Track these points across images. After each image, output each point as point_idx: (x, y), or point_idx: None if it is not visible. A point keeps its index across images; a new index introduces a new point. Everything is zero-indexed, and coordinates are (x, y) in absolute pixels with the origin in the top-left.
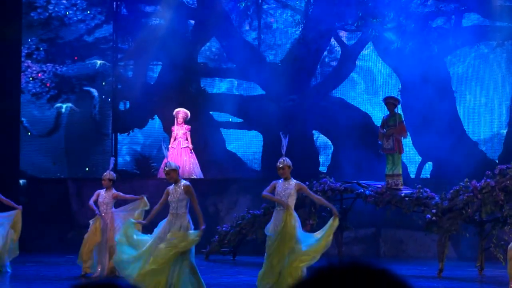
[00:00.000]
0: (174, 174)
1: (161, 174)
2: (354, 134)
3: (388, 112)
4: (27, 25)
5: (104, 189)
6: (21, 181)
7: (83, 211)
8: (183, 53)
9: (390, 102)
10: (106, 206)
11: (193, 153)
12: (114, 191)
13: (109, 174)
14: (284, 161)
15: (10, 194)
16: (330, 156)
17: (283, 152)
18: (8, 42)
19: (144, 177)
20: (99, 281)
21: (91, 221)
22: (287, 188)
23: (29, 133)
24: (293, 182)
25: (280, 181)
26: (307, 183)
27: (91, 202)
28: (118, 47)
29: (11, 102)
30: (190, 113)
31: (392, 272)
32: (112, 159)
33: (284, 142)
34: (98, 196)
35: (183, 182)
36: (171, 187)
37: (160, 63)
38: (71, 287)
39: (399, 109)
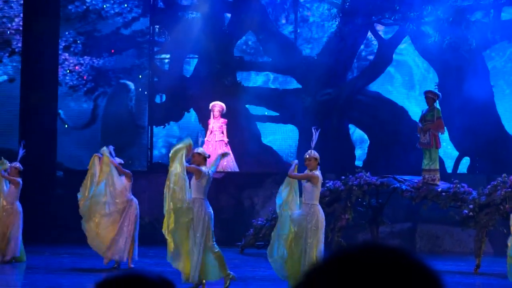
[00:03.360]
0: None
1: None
2: (391, 128)
3: (428, 106)
4: (65, 18)
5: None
6: (58, 173)
7: None
8: (219, 46)
9: (429, 97)
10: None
11: (228, 146)
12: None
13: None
14: (311, 153)
15: (47, 186)
16: (366, 150)
17: (312, 145)
18: (46, 35)
19: None
20: (124, 274)
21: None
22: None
23: (66, 126)
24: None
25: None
26: (342, 177)
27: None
28: (154, 40)
29: (49, 94)
30: (226, 106)
31: (409, 251)
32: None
33: (315, 136)
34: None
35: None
36: None
37: (196, 56)
38: (95, 285)
39: (437, 104)
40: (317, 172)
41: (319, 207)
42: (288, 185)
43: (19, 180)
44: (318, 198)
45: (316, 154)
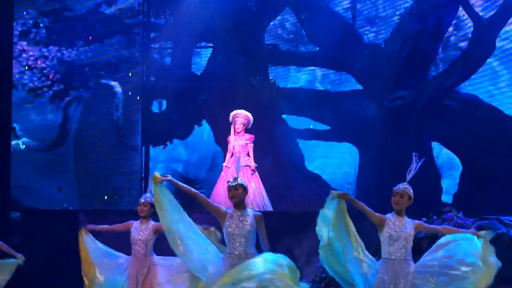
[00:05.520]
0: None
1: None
2: (494, 148)
3: None
4: None
5: (139, 220)
6: (12, 215)
7: None
8: (244, 30)
9: None
10: (145, 245)
11: (257, 174)
12: (153, 222)
13: (150, 197)
14: (406, 189)
15: None
16: (458, 180)
17: (408, 177)
18: None
19: (186, 208)
20: None
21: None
22: (402, 231)
23: (23, 146)
24: (409, 221)
25: (391, 217)
26: (424, 219)
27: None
28: (150, 23)
29: None
30: (254, 117)
31: None
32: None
33: (415, 166)
34: (130, 228)
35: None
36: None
37: (211, 45)
38: None
39: None
40: (411, 222)
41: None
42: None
43: None
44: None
45: (411, 191)
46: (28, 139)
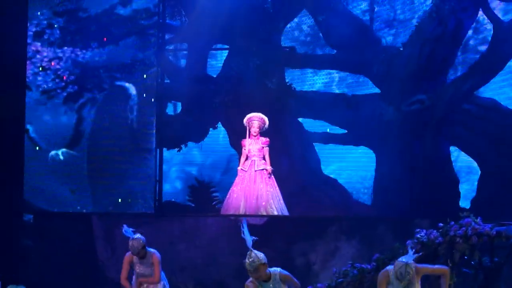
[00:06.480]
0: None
1: (226, 210)
2: None
3: None
4: None
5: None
6: (25, 217)
7: (113, 261)
8: (260, 33)
9: None
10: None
11: (273, 178)
12: (151, 252)
13: (137, 241)
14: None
15: (9, 234)
16: (476, 185)
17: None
18: (8, 17)
19: (201, 213)
20: None
21: None
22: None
23: (38, 147)
24: None
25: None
26: (440, 224)
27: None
28: (165, 24)
29: (12, 102)
30: (269, 120)
31: None
32: (125, 226)
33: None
34: (131, 261)
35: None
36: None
37: (227, 47)
38: None
39: None
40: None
41: None
42: None
43: None
44: None
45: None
46: (66, 149)
